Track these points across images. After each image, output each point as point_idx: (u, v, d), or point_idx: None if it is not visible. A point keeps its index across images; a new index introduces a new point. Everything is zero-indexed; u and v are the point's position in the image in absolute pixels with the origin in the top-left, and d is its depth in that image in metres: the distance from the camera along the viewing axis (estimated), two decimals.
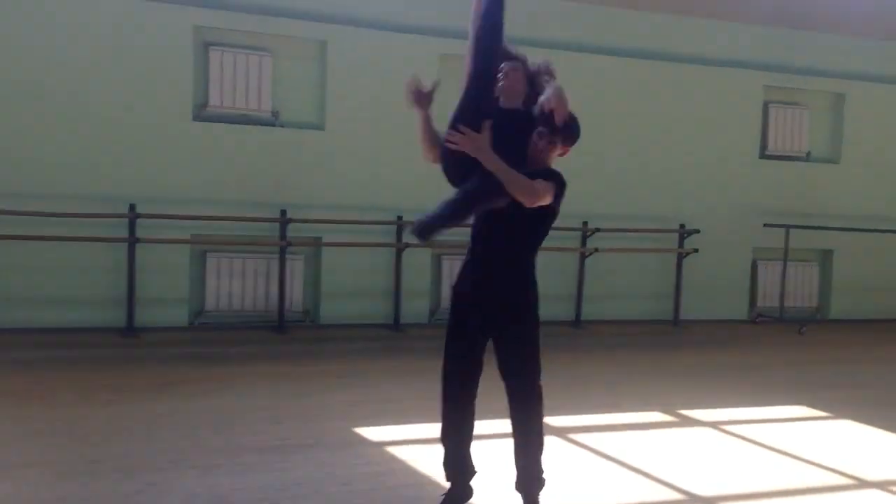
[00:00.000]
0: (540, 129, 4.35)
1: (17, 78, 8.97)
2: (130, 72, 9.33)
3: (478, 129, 4.24)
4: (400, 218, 10.09)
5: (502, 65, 4.43)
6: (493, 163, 4.22)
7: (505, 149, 4.25)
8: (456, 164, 4.35)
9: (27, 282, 9.05)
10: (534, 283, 4.55)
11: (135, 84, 9.36)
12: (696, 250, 11.62)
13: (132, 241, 9.02)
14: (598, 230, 11.04)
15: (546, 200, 4.29)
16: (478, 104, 4.33)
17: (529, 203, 4.23)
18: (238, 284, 9.81)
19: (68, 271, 9.17)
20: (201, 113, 9.74)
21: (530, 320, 4.54)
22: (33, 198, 8.85)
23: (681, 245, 11.73)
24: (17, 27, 8.96)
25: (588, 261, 11.09)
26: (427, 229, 4.25)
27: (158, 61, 9.43)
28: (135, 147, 9.37)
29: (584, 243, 11.09)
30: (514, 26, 10.48)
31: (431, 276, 10.68)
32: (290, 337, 9.51)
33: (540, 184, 4.27)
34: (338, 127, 10.19)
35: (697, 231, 11.69)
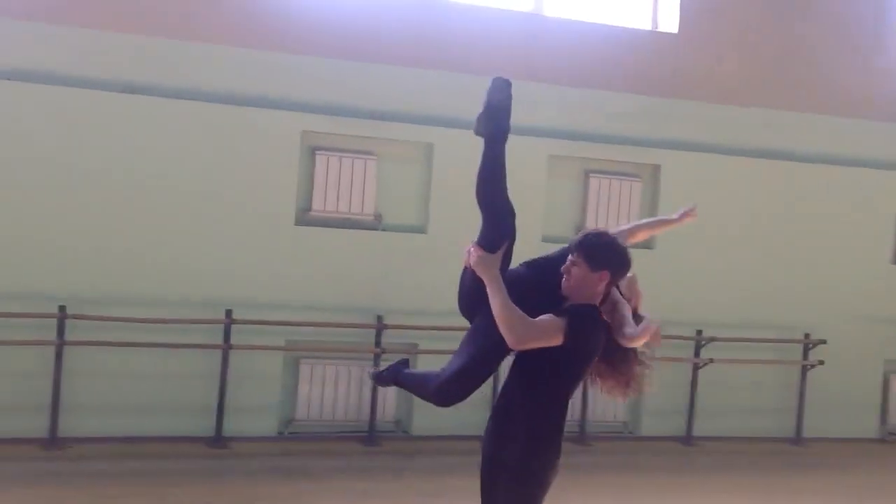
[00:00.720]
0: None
1: (119, 179, 9.00)
2: (237, 177, 9.36)
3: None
4: None
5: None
6: (492, 281, 3.80)
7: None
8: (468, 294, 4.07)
9: (112, 388, 8.88)
10: (538, 446, 3.93)
11: (240, 189, 9.38)
12: (821, 362, 10.89)
13: (226, 347, 8.95)
14: (713, 339, 10.44)
15: (540, 342, 3.78)
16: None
17: (511, 342, 3.77)
18: (330, 393, 9.60)
19: (156, 378, 9.04)
20: (304, 217, 9.72)
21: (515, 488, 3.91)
22: (126, 304, 8.81)
23: (805, 356, 11.00)
24: (126, 134, 9.05)
25: (701, 372, 10.47)
26: (383, 378, 4.49)
27: (265, 166, 9.46)
28: (234, 252, 9.35)
29: (697, 353, 10.49)
30: (641, 126, 10.30)
31: None
32: (379, 449, 9.24)
33: (539, 322, 3.77)
34: (440, 230, 10.00)
35: (824, 341, 10.95)
